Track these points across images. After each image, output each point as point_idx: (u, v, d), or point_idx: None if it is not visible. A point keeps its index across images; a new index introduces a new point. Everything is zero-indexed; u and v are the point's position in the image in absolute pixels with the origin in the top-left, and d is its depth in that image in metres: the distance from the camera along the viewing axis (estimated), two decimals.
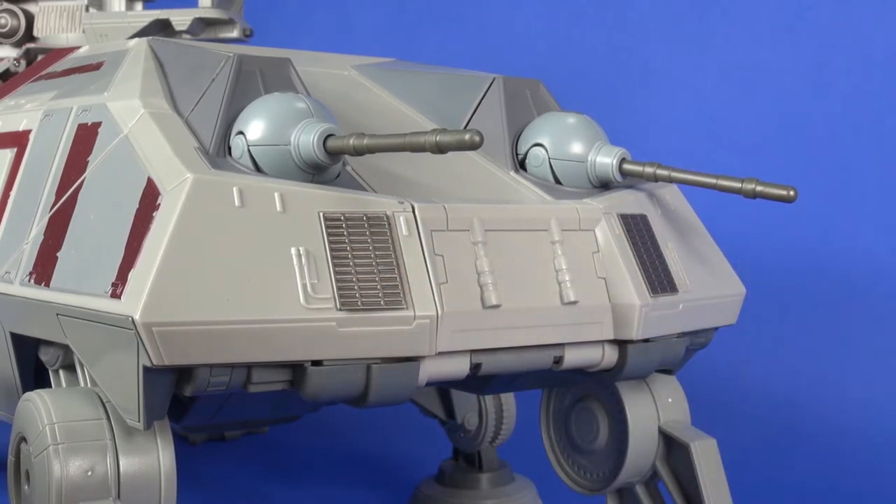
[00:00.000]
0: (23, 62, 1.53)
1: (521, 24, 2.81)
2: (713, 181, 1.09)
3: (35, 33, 1.54)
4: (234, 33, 1.55)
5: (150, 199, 0.92)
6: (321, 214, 0.93)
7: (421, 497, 1.61)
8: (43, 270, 1.00)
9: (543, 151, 1.14)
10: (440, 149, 0.85)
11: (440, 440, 1.67)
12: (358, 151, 0.91)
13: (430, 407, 1.61)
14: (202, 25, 1.50)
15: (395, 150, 0.90)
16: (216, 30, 1.54)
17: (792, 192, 1.06)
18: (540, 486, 1.59)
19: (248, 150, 0.96)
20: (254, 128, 0.96)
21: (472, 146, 0.83)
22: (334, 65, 1.32)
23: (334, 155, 0.94)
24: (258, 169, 0.96)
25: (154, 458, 0.97)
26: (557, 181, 1.14)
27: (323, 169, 0.96)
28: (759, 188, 1.06)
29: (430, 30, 2.81)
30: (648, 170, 1.11)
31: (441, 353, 0.96)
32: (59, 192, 1.05)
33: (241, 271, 0.88)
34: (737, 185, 1.07)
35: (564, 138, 1.15)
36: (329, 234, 0.92)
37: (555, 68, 2.64)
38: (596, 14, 2.77)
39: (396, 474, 1.87)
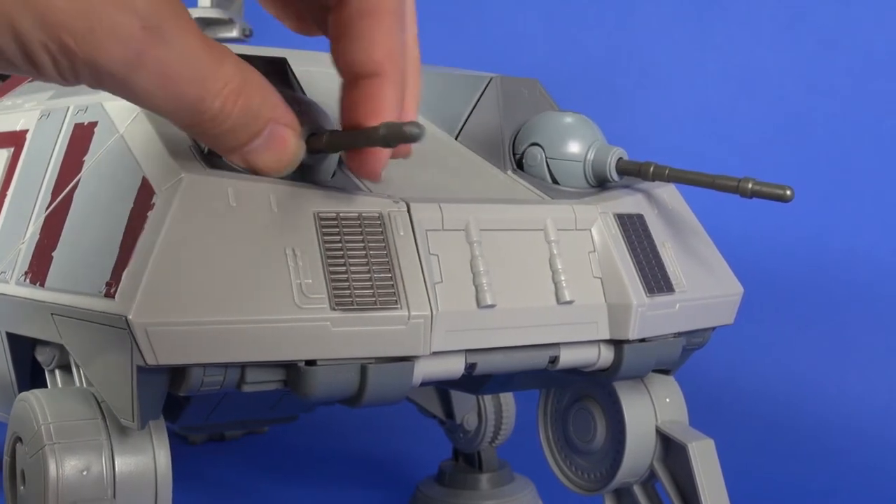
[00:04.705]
0: None
1: (521, 24, 2.81)
2: (710, 180, 1.09)
3: None
4: (234, 33, 1.55)
5: (144, 198, 0.92)
6: (315, 214, 0.93)
7: (421, 497, 1.61)
8: (38, 270, 1.00)
9: (540, 151, 1.14)
10: (386, 143, 0.84)
11: (440, 440, 1.67)
12: (331, 148, 0.91)
13: (429, 407, 1.60)
14: (202, 25, 1.50)
15: (356, 147, 0.89)
16: (216, 29, 1.54)
17: (788, 192, 1.05)
18: (540, 486, 1.59)
19: None
20: None
21: (412, 139, 0.82)
22: (332, 64, 1.31)
23: (314, 153, 0.94)
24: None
25: (150, 458, 0.97)
26: (554, 180, 1.14)
27: (307, 167, 0.95)
28: (755, 187, 1.06)
29: (429, 30, 2.81)
30: (645, 169, 1.11)
31: (436, 353, 0.96)
32: (55, 192, 1.05)
33: (235, 271, 0.88)
34: (733, 184, 1.07)
35: (561, 138, 1.15)
36: (323, 234, 0.92)
37: (554, 68, 2.64)
38: (596, 14, 2.78)
39: (396, 474, 1.87)
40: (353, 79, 0.91)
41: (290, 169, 0.91)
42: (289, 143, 0.89)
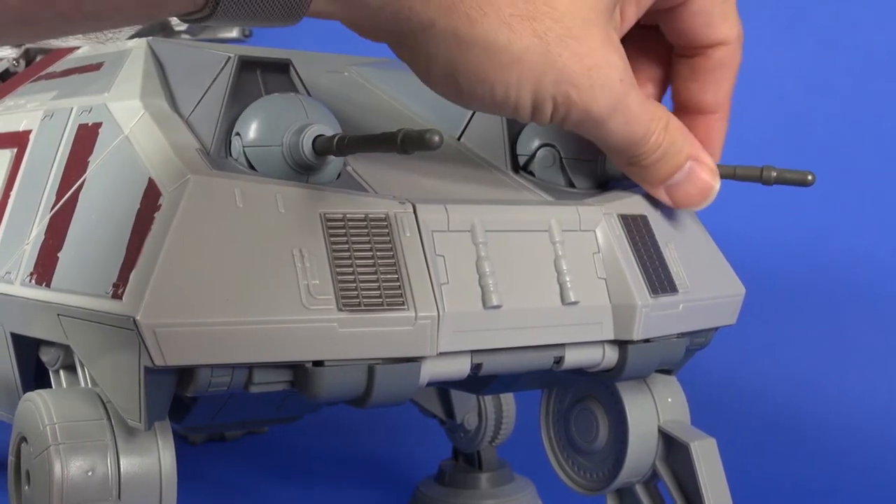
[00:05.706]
0: (22, 62, 1.53)
1: None
2: (731, 171, 1.11)
3: None
4: (234, 33, 1.55)
5: (151, 199, 0.92)
6: (322, 215, 0.93)
7: (421, 497, 1.61)
8: (44, 271, 1.00)
9: (555, 152, 1.14)
10: (404, 149, 0.85)
11: (440, 440, 1.67)
12: (341, 152, 0.91)
13: (430, 407, 1.60)
14: (202, 25, 1.50)
15: (370, 151, 0.89)
16: (215, 30, 1.54)
17: (810, 177, 1.10)
18: (540, 486, 1.59)
19: (243, 151, 0.96)
20: (248, 129, 0.96)
21: (431, 146, 0.83)
22: (334, 65, 1.32)
23: (322, 155, 0.94)
24: (252, 169, 0.96)
25: (154, 459, 0.97)
26: (569, 181, 1.14)
27: (313, 169, 0.95)
28: (777, 174, 1.09)
29: None
30: None
31: (442, 354, 0.96)
32: (60, 193, 1.05)
33: (242, 272, 0.88)
34: (756, 173, 1.10)
35: (574, 137, 1.14)
36: (330, 235, 0.92)
37: None
38: None
39: (396, 474, 1.87)
40: (691, 112, 1.10)
41: (706, 204, 1.08)
42: (706, 180, 1.07)
